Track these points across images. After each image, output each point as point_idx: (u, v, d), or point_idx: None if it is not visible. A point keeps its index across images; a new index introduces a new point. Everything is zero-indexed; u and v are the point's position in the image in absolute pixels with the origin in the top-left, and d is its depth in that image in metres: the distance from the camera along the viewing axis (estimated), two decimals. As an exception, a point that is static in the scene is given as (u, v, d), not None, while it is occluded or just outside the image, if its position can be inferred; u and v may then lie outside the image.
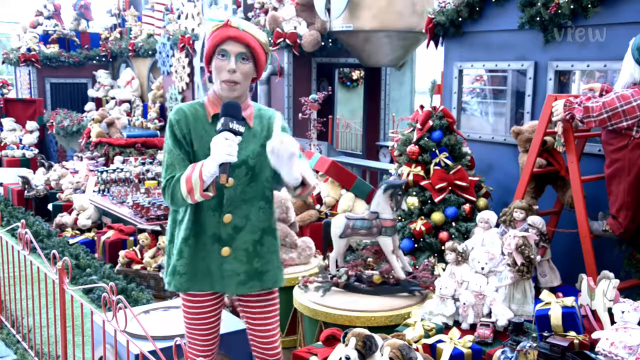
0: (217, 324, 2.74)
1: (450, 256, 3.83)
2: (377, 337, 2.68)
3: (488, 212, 4.24)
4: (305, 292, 3.90)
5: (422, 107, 4.82)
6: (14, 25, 17.21)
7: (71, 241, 6.64)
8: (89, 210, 7.23)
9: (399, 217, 4.66)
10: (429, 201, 4.57)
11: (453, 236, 4.41)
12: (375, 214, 3.88)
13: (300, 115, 7.01)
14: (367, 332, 2.68)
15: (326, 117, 8.13)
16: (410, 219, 4.57)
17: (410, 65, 11.27)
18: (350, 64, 8.41)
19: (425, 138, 4.66)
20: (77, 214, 7.29)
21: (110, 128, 10.08)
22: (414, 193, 4.61)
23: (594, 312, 3.37)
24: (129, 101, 11.78)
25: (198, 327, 2.66)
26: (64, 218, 7.33)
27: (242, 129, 2.36)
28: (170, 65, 10.36)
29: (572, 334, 3.17)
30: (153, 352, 2.77)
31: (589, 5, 4.38)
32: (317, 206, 5.64)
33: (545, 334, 3.09)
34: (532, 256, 3.53)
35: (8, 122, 11.81)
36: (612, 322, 3.06)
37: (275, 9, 8.16)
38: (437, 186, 4.53)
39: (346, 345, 2.67)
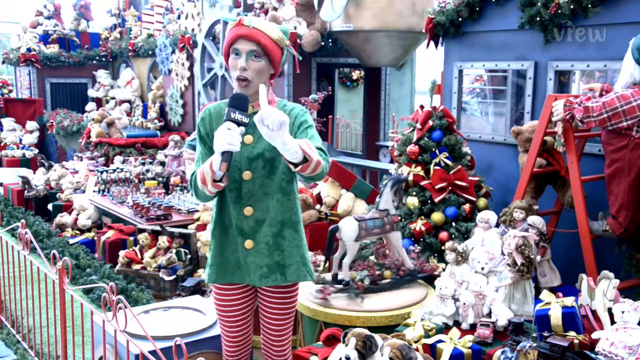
0: (248, 316, 2.78)
1: (450, 256, 3.83)
2: (377, 337, 2.68)
3: (488, 212, 4.24)
4: (329, 304, 3.75)
5: (422, 107, 4.82)
6: (14, 25, 17.22)
7: (71, 241, 6.64)
8: (89, 210, 7.23)
9: (399, 217, 4.66)
10: (429, 201, 4.57)
11: (453, 236, 4.41)
12: (386, 212, 3.94)
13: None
14: (367, 332, 2.68)
15: (326, 117, 8.14)
16: (410, 219, 4.57)
17: (410, 65, 11.25)
18: (350, 64, 8.41)
19: (425, 138, 4.66)
20: (77, 214, 7.29)
21: (110, 128, 10.08)
22: (414, 193, 4.61)
23: (594, 312, 3.37)
24: (129, 101, 11.77)
25: (227, 318, 2.74)
26: (64, 218, 7.33)
27: (245, 119, 2.38)
28: (171, 63, 10.36)
29: (572, 334, 3.17)
30: (153, 352, 2.77)
31: (589, 5, 4.38)
32: (317, 206, 5.64)
33: (545, 334, 3.09)
34: (532, 256, 3.53)
35: (8, 122, 11.81)
36: (612, 322, 3.06)
37: (275, 9, 8.16)
38: (437, 186, 4.53)
39: (346, 345, 2.67)
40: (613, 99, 3.65)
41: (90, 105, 11.99)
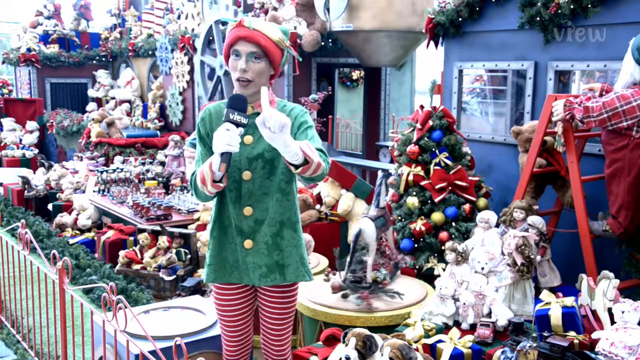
0: (247, 316, 2.78)
1: (450, 256, 3.83)
2: (377, 337, 2.68)
3: (488, 212, 4.24)
4: (374, 308, 3.70)
5: (422, 107, 4.82)
6: (14, 25, 17.21)
7: (71, 241, 6.64)
8: (89, 210, 7.23)
9: (399, 217, 4.66)
10: (429, 201, 4.57)
11: (453, 236, 4.41)
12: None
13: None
14: (367, 332, 2.68)
15: (326, 117, 8.13)
16: (410, 219, 4.57)
17: (410, 65, 11.27)
18: (350, 64, 8.41)
19: (425, 138, 4.66)
20: (77, 214, 7.29)
21: (110, 128, 10.08)
22: (414, 193, 4.61)
23: (594, 312, 3.37)
24: (129, 101, 11.77)
25: (227, 318, 2.74)
26: (64, 218, 7.33)
27: (244, 120, 2.39)
28: (170, 67, 10.36)
29: (572, 334, 3.17)
30: (153, 352, 2.77)
31: (589, 5, 4.38)
32: (317, 206, 5.64)
33: (545, 334, 3.09)
34: (532, 256, 3.53)
35: (8, 122, 11.81)
36: (612, 322, 3.06)
37: (275, 9, 8.16)
38: (437, 186, 4.52)
39: (346, 345, 2.67)
40: (613, 99, 3.65)
41: (91, 106, 11.99)
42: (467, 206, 4.55)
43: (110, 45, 12.76)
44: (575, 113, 3.81)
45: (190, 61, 9.76)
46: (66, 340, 3.43)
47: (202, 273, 2.75)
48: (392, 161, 6.35)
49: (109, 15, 13.58)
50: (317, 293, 3.90)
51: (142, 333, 2.67)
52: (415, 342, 3.21)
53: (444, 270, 4.12)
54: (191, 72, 9.79)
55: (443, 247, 4.10)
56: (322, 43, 7.66)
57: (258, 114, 2.54)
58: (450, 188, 4.55)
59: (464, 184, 4.57)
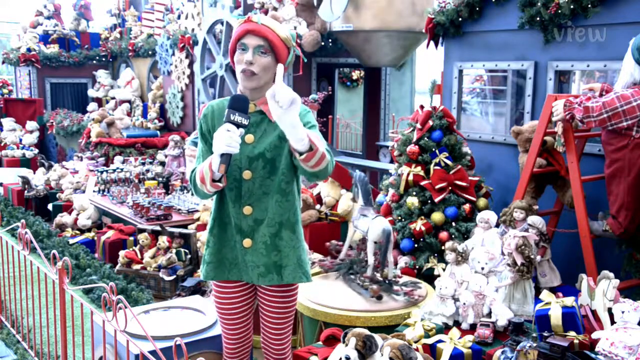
0: (247, 314, 2.79)
1: (450, 256, 3.83)
2: (377, 337, 2.68)
3: (488, 212, 4.24)
4: (408, 300, 3.77)
5: (422, 107, 4.82)
6: (14, 25, 17.20)
7: (71, 241, 6.64)
8: (89, 210, 7.23)
9: (399, 217, 4.66)
10: (429, 201, 4.57)
11: (453, 236, 4.41)
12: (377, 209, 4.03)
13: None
14: (367, 332, 2.68)
15: (326, 117, 8.13)
16: (410, 219, 4.57)
17: (410, 65, 11.24)
18: (350, 64, 8.41)
19: (425, 138, 4.66)
20: (77, 214, 7.29)
21: (110, 128, 10.07)
22: (414, 193, 4.61)
23: (594, 312, 3.37)
24: (129, 101, 11.77)
25: (227, 315, 2.75)
26: (64, 218, 7.32)
27: (245, 121, 2.39)
28: (171, 65, 10.36)
29: (572, 334, 3.17)
30: (153, 352, 2.77)
31: (589, 5, 4.38)
32: (317, 206, 5.64)
33: (545, 334, 3.09)
34: (532, 256, 3.53)
35: (8, 122, 11.81)
36: (612, 322, 3.06)
37: (275, 9, 8.16)
38: (437, 186, 4.52)
39: (346, 345, 2.67)
40: (613, 99, 3.65)
41: (92, 106, 11.98)
42: (467, 206, 4.55)
43: (110, 45, 12.75)
44: (575, 113, 3.81)
45: (190, 65, 9.76)
46: (66, 340, 3.43)
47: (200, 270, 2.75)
48: (392, 161, 6.35)
49: (109, 15, 13.57)
50: (317, 293, 3.90)
51: (142, 333, 2.67)
52: (415, 342, 3.21)
53: (444, 270, 4.12)
54: (191, 74, 9.79)
55: (443, 247, 4.10)
56: (322, 43, 7.66)
57: (260, 111, 2.55)
58: (450, 188, 4.55)
59: (464, 184, 4.57)
